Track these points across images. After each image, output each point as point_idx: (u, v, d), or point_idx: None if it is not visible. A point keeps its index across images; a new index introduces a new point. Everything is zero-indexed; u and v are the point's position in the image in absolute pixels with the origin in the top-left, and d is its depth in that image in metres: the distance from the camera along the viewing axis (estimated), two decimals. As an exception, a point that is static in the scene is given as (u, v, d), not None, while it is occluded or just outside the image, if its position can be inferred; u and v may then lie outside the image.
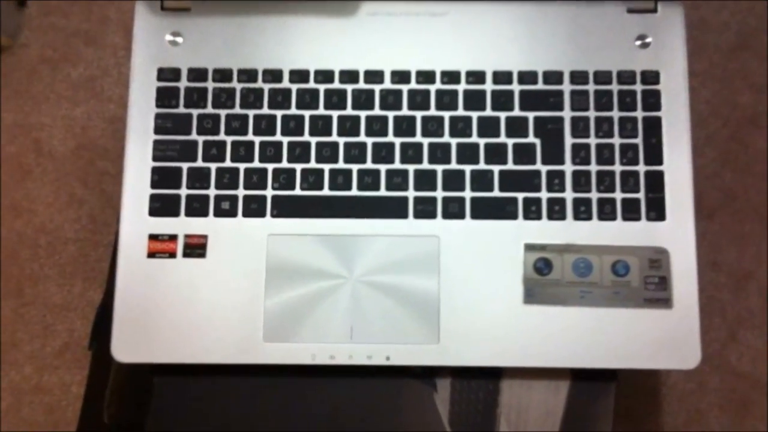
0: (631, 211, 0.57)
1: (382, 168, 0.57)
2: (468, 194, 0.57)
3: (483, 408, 0.57)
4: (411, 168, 0.57)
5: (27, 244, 0.78)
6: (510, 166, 0.57)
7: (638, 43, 0.59)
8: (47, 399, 0.74)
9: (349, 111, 0.58)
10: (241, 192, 0.57)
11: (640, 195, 0.57)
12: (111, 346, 0.55)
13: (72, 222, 0.78)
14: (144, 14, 0.60)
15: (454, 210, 0.57)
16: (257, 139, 0.58)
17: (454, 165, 0.57)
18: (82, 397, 0.66)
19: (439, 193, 0.57)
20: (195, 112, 0.58)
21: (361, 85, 0.59)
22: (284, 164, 0.58)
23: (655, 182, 0.57)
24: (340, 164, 0.58)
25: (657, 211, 0.57)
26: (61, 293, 0.77)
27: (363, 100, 0.58)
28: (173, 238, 0.56)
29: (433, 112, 0.58)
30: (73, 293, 0.77)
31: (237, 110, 0.58)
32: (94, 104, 0.81)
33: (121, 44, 0.83)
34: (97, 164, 0.79)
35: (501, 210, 0.57)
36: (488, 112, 0.58)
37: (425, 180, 0.57)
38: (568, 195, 0.57)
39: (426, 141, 0.58)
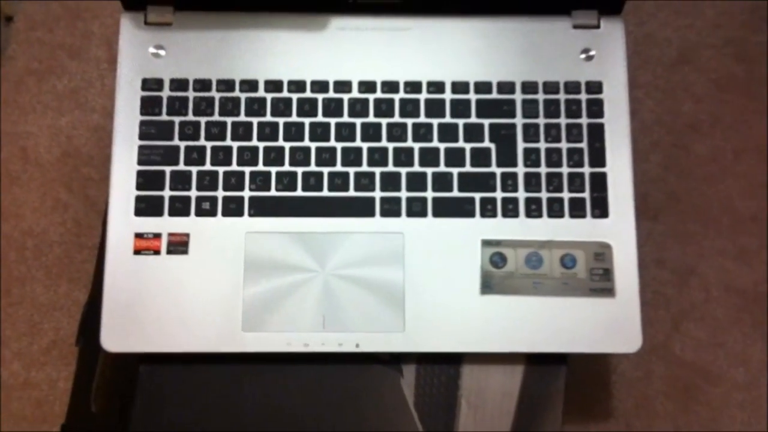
0: (577, 209, 0.59)
1: (351, 170, 0.59)
2: (430, 194, 0.59)
3: (445, 391, 0.59)
4: (377, 170, 0.59)
5: (14, 247, 0.78)
6: (468, 168, 0.59)
7: (583, 56, 0.61)
8: (35, 394, 0.75)
9: (320, 118, 0.60)
10: (220, 193, 0.59)
11: (586, 195, 0.59)
12: (100, 337, 0.56)
13: (57, 225, 0.79)
14: (129, 28, 0.61)
15: (417, 209, 0.59)
16: (235, 144, 0.59)
17: (416, 168, 0.59)
18: (70, 390, 0.67)
19: (404, 194, 0.59)
20: (177, 119, 0.60)
21: (331, 94, 0.60)
22: (260, 167, 0.59)
23: (599, 183, 0.59)
24: (312, 167, 0.59)
25: (601, 209, 0.59)
26: (48, 293, 0.77)
27: (333, 108, 0.60)
28: (157, 236, 0.58)
29: (397, 119, 0.60)
30: (59, 293, 0.77)
31: (216, 117, 0.60)
32: (78, 114, 0.82)
33: (104, 57, 0.84)
34: (82, 171, 0.80)
35: (460, 209, 0.59)
36: (448, 119, 0.60)
37: (390, 181, 0.59)
38: (521, 195, 0.59)
39: (391, 146, 0.60)
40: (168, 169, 0.59)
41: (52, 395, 0.75)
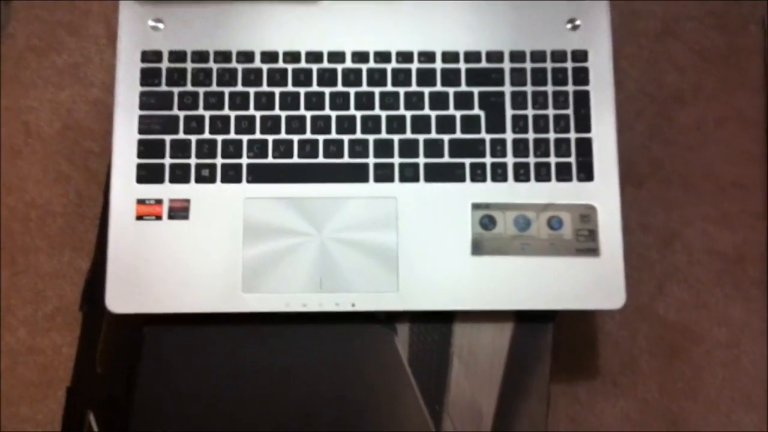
0: (563, 173, 0.60)
1: (345, 138, 0.60)
2: (422, 160, 0.60)
3: (438, 348, 0.60)
4: (371, 138, 0.60)
5: (18, 218, 0.79)
6: (458, 135, 0.61)
7: (569, 26, 0.62)
8: (41, 359, 0.76)
9: (314, 88, 0.61)
10: (219, 161, 0.60)
11: (572, 159, 0.60)
12: (105, 299, 0.58)
13: (60, 197, 0.80)
14: (128, 3, 0.62)
15: (409, 174, 0.60)
16: (233, 114, 0.60)
17: (409, 135, 0.60)
18: (75, 354, 0.68)
19: (396, 160, 0.60)
20: (176, 90, 0.61)
21: (325, 64, 0.61)
22: (257, 135, 0.60)
23: (585, 148, 0.60)
24: (308, 135, 0.60)
25: (586, 173, 0.60)
26: (51, 262, 0.78)
27: (327, 77, 0.61)
28: (159, 202, 0.59)
29: (389, 88, 0.61)
30: (62, 262, 0.78)
31: (214, 88, 0.61)
32: (78, 89, 0.83)
33: (102, 34, 0.84)
34: (82, 144, 0.81)
35: (451, 174, 0.60)
36: (438, 87, 0.61)
37: (383, 148, 0.60)
38: (509, 160, 0.60)
39: (384, 114, 0.61)
40: (168, 138, 0.60)
41: (56, 360, 0.77)
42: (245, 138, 0.60)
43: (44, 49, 0.84)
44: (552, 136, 0.61)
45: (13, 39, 0.85)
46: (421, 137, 0.61)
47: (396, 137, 0.61)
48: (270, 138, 0.60)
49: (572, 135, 0.61)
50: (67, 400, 0.65)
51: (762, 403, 0.76)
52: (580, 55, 0.62)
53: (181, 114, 0.61)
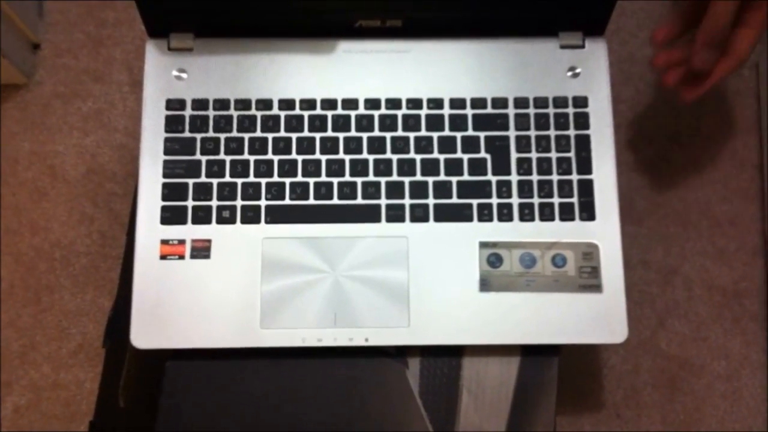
0: (566, 213, 0.61)
1: (359, 180, 0.62)
2: (431, 201, 0.62)
3: (447, 381, 0.61)
4: (383, 180, 0.62)
5: (44, 258, 0.81)
6: (466, 177, 0.62)
7: (570, 73, 0.64)
8: (64, 394, 0.77)
9: (329, 133, 0.63)
10: (239, 203, 0.61)
11: (574, 199, 0.62)
12: (130, 335, 0.59)
13: (84, 237, 0.81)
14: (153, 53, 0.64)
15: (419, 214, 0.61)
16: (252, 158, 0.62)
17: (419, 177, 0.62)
18: (98, 389, 0.69)
19: (407, 201, 0.61)
20: (198, 136, 0.62)
21: (339, 111, 0.63)
22: (275, 179, 0.62)
23: (586, 188, 0.62)
24: (323, 178, 0.62)
25: (588, 212, 0.61)
26: (75, 300, 0.80)
27: (341, 123, 0.63)
28: (182, 242, 0.60)
29: (400, 132, 0.63)
30: (86, 300, 0.80)
31: (234, 134, 0.62)
32: (102, 134, 0.85)
33: (125, 81, 0.87)
34: (106, 186, 0.83)
35: (459, 214, 0.61)
36: (446, 132, 0.63)
37: (395, 190, 0.62)
38: (515, 200, 0.62)
39: (395, 157, 0.62)
40: (191, 181, 0.62)
41: (79, 395, 0.78)
42: (264, 181, 0.62)
43: (70, 96, 0.87)
44: (555, 177, 0.63)
45: (40, 86, 0.87)
46: (430, 179, 0.62)
47: (406, 179, 0.62)
48: (287, 181, 0.62)
49: (574, 177, 0.63)
50: (90, 434, 0.67)
51: (762, 434, 0.77)
52: (581, 101, 0.64)
53: (204, 159, 0.62)
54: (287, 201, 0.62)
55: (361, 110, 0.64)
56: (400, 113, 0.64)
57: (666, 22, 0.67)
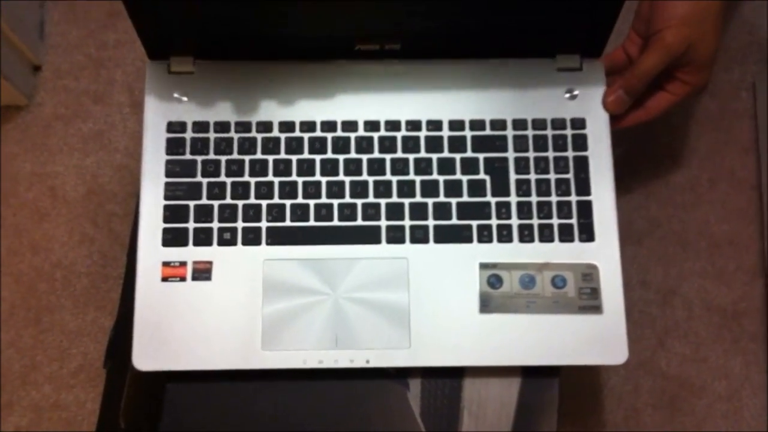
0: (565, 234, 0.62)
1: (359, 202, 0.62)
2: (431, 222, 0.62)
3: (448, 403, 0.61)
4: (383, 201, 0.62)
5: (44, 278, 0.81)
6: (465, 198, 0.62)
7: (567, 95, 0.64)
8: (65, 415, 0.77)
9: (329, 155, 0.63)
10: (239, 224, 0.61)
11: (573, 221, 0.62)
12: (132, 357, 0.59)
13: (84, 258, 0.82)
14: (154, 77, 0.64)
15: (419, 236, 0.61)
16: (252, 180, 0.62)
17: (418, 198, 0.62)
18: (99, 410, 0.69)
19: (407, 222, 0.62)
20: (199, 158, 0.62)
21: (339, 133, 0.63)
22: (276, 200, 0.62)
23: (585, 210, 0.62)
24: (323, 199, 0.62)
25: (587, 233, 0.62)
26: (76, 321, 0.80)
27: (341, 145, 0.63)
28: (183, 264, 0.61)
29: (399, 154, 0.63)
30: (86, 320, 0.80)
31: (235, 156, 0.63)
32: (102, 155, 0.85)
33: (126, 102, 0.87)
34: (106, 207, 0.84)
35: (459, 235, 0.61)
36: (446, 153, 0.63)
37: (395, 211, 0.62)
38: (514, 221, 0.62)
39: (394, 179, 0.62)
40: (192, 203, 0.62)
41: (80, 415, 0.78)
42: (264, 203, 0.62)
43: (70, 117, 0.87)
44: (554, 199, 0.63)
45: (41, 108, 0.88)
46: (430, 201, 0.62)
47: (406, 201, 0.62)
48: (288, 203, 0.62)
49: (573, 198, 0.63)
50: (90, 455, 0.66)
51: (763, 454, 0.77)
52: (579, 123, 0.64)
53: (204, 181, 0.62)
54: (288, 222, 0.62)
55: (361, 132, 0.64)
56: (399, 135, 0.64)
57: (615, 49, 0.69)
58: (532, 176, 0.63)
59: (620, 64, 0.69)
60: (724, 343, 0.81)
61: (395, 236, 0.62)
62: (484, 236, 0.62)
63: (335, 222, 0.62)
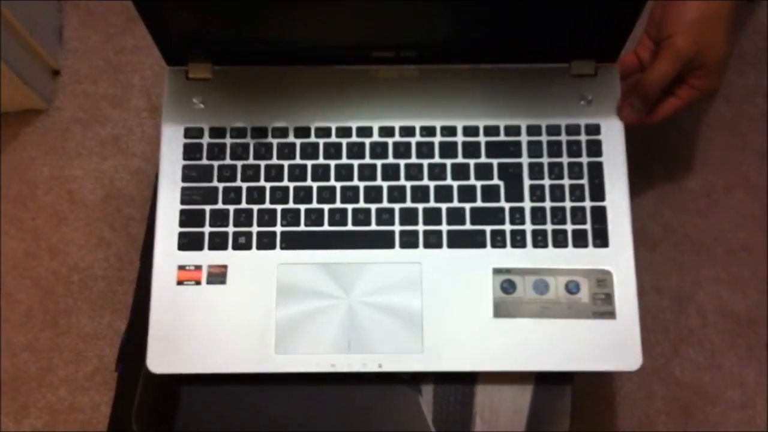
0: (579, 240, 0.61)
1: (373, 207, 0.62)
2: (444, 227, 0.62)
3: (461, 408, 0.61)
4: (396, 207, 0.62)
5: (62, 282, 0.82)
6: (479, 203, 0.62)
7: (582, 101, 0.64)
8: (80, 417, 0.77)
9: (344, 160, 0.63)
10: (254, 229, 0.62)
11: (587, 226, 0.62)
12: (146, 360, 0.59)
13: (101, 261, 0.82)
14: (172, 82, 0.65)
15: (433, 241, 0.61)
16: (268, 185, 0.63)
17: (432, 203, 0.62)
18: (110, 413, 0.70)
19: (421, 227, 0.62)
20: (216, 163, 0.63)
21: (354, 138, 0.64)
22: (291, 205, 0.62)
23: (599, 215, 0.62)
24: (338, 204, 0.62)
25: (601, 239, 0.61)
26: (92, 324, 0.80)
27: (355, 151, 0.63)
28: (198, 268, 0.61)
29: (414, 160, 0.63)
30: (103, 324, 0.80)
31: (251, 161, 0.63)
32: (120, 159, 0.86)
33: (144, 107, 0.88)
34: (124, 211, 0.84)
35: (472, 240, 0.62)
36: (460, 159, 0.63)
37: (408, 216, 0.62)
38: (528, 227, 0.62)
39: (408, 184, 0.63)
40: (208, 208, 0.62)
41: (95, 418, 0.78)
42: (279, 207, 0.62)
43: (89, 122, 0.88)
44: (568, 204, 0.63)
45: (60, 112, 0.89)
46: (443, 206, 0.63)
47: (420, 206, 0.63)
48: (302, 207, 0.62)
49: (587, 203, 0.63)
50: (105, 457, 0.67)
51: (778, 463, 0.77)
52: (593, 129, 0.64)
53: (221, 186, 0.63)
54: (302, 227, 0.62)
55: (376, 138, 0.64)
56: (413, 140, 0.64)
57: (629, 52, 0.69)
58: (546, 182, 0.63)
59: (632, 68, 0.69)
60: (738, 351, 0.80)
61: (409, 241, 0.62)
62: (498, 241, 0.62)
63: (349, 227, 0.62)
